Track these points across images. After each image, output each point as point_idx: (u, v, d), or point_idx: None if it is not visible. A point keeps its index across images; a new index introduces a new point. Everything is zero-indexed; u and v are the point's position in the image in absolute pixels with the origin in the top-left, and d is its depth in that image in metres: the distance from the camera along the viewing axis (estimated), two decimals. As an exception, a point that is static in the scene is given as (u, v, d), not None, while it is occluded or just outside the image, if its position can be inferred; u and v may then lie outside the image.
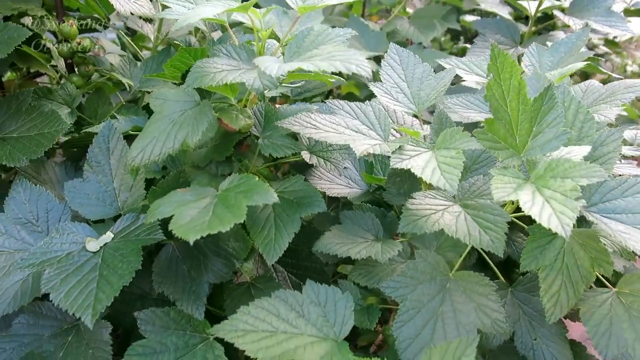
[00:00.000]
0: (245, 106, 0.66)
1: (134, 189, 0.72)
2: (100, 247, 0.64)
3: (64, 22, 0.81)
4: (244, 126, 0.63)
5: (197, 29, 1.13)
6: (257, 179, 0.58)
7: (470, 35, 1.87)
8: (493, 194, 0.51)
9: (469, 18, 1.46)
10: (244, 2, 0.58)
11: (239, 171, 0.67)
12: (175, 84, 0.87)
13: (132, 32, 1.15)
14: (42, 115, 0.74)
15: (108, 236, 0.66)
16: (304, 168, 0.82)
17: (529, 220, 0.71)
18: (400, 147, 0.62)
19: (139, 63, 0.90)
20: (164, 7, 0.67)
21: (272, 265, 0.81)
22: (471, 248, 0.69)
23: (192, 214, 0.55)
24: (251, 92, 0.66)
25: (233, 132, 0.64)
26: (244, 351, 0.55)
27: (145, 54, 1.08)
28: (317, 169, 0.83)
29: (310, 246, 0.78)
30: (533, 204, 0.50)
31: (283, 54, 0.62)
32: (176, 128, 0.60)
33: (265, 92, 0.64)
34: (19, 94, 0.77)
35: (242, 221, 0.52)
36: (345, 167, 0.86)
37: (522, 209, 0.50)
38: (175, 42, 0.93)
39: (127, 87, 0.84)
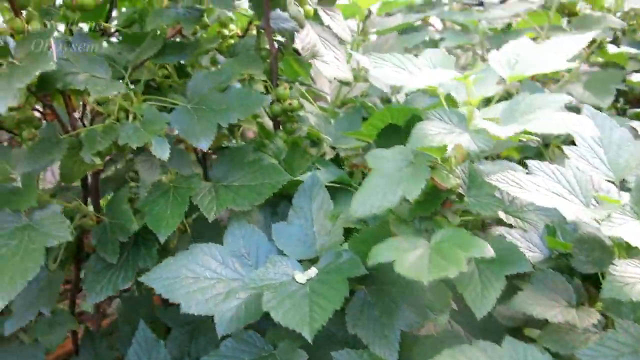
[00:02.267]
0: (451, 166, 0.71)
1: (332, 234, 0.80)
2: (307, 279, 0.72)
3: (278, 85, 0.92)
4: (454, 185, 0.67)
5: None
6: (469, 232, 0.62)
7: (632, 97, 1.79)
8: None
9: (635, 77, 1.41)
10: (466, 72, 0.64)
11: (438, 226, 0.71)
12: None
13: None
14: (263, 168, 0.85)
15: (313, 271, 0.73)
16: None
17: None
18: (609, 215, 0.63)
19: (332, 121, 0.99)
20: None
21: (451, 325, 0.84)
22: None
23: (411, 260, 0.60)
24: (457, 153, 0.70)
25: (441, 190, 0.69)
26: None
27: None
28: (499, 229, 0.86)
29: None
30: None
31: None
32: (395, 184, 0.66)
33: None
34: (241, 148, 0.88)
35: (464, 270, 0.56)
36: (525, 231, 0.87)
37: None
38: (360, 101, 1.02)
39: (325, 143, 0.93)
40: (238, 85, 0.86)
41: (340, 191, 0.89)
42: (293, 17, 0.84)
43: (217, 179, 0.89)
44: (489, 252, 0.59)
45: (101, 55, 0.89)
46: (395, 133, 0.86)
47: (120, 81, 0.79)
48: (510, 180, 0.67)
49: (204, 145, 0.78)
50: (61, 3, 0.80)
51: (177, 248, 0.93)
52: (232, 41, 1.03)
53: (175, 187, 0.87)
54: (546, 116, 0.60)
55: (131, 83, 0.89)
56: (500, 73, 0.70)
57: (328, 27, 0.87)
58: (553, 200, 0.66)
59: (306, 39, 0.88)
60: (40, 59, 0.64)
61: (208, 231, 0.94)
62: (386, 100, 1.10)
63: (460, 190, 0.71)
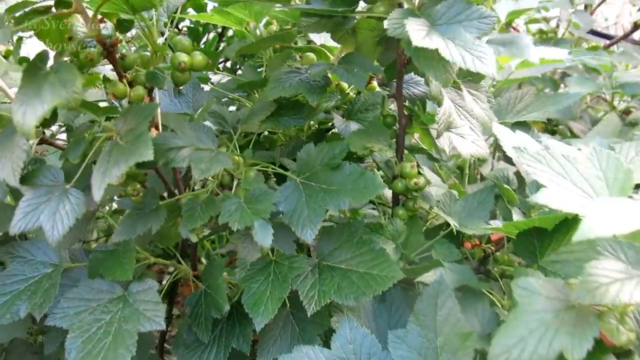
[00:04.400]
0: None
1: (459, 354, 0.68)
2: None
3: (403, 159, 0.81)
4: (625, 342, 0.54)
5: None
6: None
7: None
8: None
9: None
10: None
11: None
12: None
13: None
14: (372, 252, 0.74)
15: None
16: None
17: None
18: None
19: (457, 196, 0.87)
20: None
21: None
22: None
23: None
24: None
25: (606, 343, 0.56)
26: None
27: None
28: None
29: None
30: None
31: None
32: (550, 334, 0.54)
33: None
34: (351, 224, 0.77)
35: None
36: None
37: None
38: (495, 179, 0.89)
39: (451, 225, 0.82)
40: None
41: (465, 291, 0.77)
42: (433, 96, 0.72)
43: (322, 255, 0.78)
44: None
45: (211, 112, 0.82)
46: (540, 237, 0.73)
47: (227, 155, 0.71)
48: None
49: (309, 236, 0.68)
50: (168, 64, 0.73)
51: (274, 324, 0.85)
52: (352, 94, 0.93)
53: (277, 262, 0.78)
54: None
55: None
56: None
57: (471, 110, 0.75)
58: None
59: (441, 109, 0.76)
60: (140, 144, 0.57)
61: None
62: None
63: (632, 347, 0.58)
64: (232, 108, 1.00)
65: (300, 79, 0.76)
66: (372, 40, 0.75)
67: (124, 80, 0.67)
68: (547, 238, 0.73)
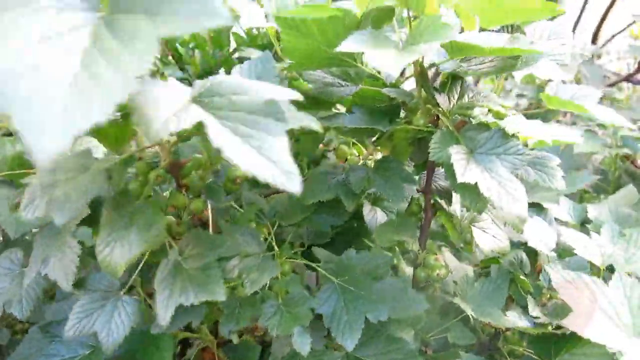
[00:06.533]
0: None
1: None
2: None
3: (427, 250, 0.85)
4: None
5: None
6: None
7: None
8: None
9: None
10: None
11: None
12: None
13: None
14: (404, 352, 0.74)
15: None
16: None
17: None
18: None
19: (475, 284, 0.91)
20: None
21: None
22: None
23: None
24: None
25: None
26: None
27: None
28: None
29: None
30: None
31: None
32: None
33: None
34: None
35: None
36: None
37: None
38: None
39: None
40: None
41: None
42: (465, 205, 0.76)
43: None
44: None
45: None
46: (556, 336, 0.77)
47: (275, 262, 0.72)
48: None
49: (349, 345, 0.69)
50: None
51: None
52: (353, 157, 0.96)
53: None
54: None
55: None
56: None
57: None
58: None
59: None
60: (211, 282, 0.57)
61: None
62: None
63: None
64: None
65: (337, 181, 0.78)
66: (405, 141, 0.78)
67: (183, 191, 0.68)
68: (563, 339, 0.77)
